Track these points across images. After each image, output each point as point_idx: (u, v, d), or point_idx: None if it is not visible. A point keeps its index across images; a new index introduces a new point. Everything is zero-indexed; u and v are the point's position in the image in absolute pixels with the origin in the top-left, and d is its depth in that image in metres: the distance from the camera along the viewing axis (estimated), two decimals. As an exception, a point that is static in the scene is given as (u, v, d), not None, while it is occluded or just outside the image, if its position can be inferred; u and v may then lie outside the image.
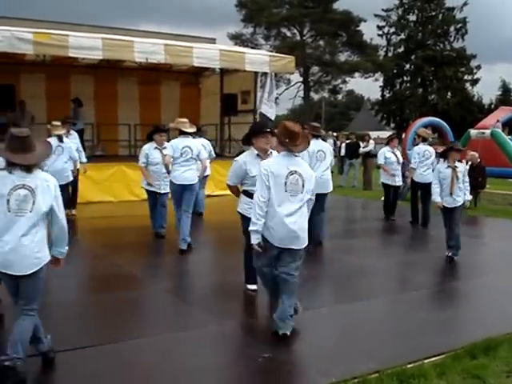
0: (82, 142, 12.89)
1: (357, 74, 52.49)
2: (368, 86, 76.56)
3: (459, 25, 49.57)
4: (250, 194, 5.70)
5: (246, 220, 5.55)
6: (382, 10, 50.87)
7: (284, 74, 38.64)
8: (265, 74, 15.62)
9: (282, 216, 4.94)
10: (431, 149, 11.44)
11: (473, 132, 24.46)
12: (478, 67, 50.40)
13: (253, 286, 6.37)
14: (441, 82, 49.12)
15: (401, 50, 51.39)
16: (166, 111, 17.82)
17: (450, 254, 8.38)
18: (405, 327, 5.57)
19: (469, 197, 8.62)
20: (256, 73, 15.77)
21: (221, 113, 17.57)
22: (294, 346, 5.02)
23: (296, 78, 51.87)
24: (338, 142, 25.48)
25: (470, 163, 14.12)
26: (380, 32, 51.33)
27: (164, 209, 9.43)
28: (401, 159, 12.18)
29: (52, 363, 4.41)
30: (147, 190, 9.53)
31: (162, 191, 9.28)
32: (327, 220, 9.62)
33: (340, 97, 67.90)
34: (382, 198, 12.88)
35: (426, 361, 4.63)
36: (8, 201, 3.99)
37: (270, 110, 15.47)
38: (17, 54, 13.01)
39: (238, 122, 17.35)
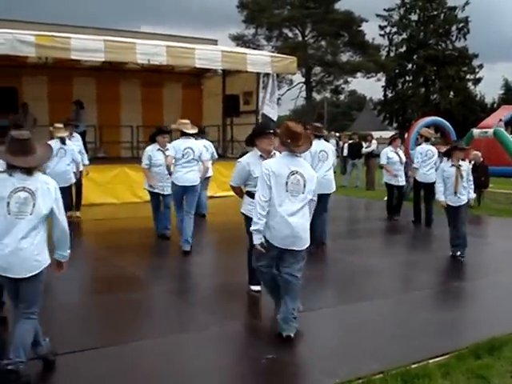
0: (84, 144, 12.91)
1: (359, 74, 52.63)
2: (370, 86, 76.82)
3: (461, 24, 49.53)
4: (253, 195, 5.68)
5: (249, 221, 5.53)
6: (384, 9, 50.93)
7: (286, 74, 38.70)
8: (267, 74, 15.61)
9: (283, 216, 4.92)
10: (434, 148, 11.43)
11: (475, 131, 24.42)
12: (481, 66, 50.40)
13: (256, 287, 6.35)
14: (443, 82, 49.08)
15: (403, 49, 51.36)
16: (168, 113, 17.82)
17: (457, 254, 8.41)
18: (409, 327, 5.56)
19: (473, 195, 8.64)
20: (258, 74, 15.77)
21: (223, 114, 17.57)
22: (297, 346, 5.01)
23: (298, 78, 52.03)
24: (341, 143, 25.44)
25: (472, 162, 14.10)
26: (382, 32, 51.39)
27: (168, 210, 9.45)
28: (404, 159, 12.16)
29: (53, 366, 4.40)
30: (150, 192, 9.54)
31: (166, 192, 9.27)
32: (330, 220, 9.60)
33: (342, 97, 68.03)
34: (385, 198, 12.87)
35: (430, 361, 4.61)
36: (8, 203, 3.98)
37: (271, 111, 15.45)
38: (19, 57, 13.01)
39: (240, 123, 17.36)
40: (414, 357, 4.67)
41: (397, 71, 51.26)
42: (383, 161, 12.15)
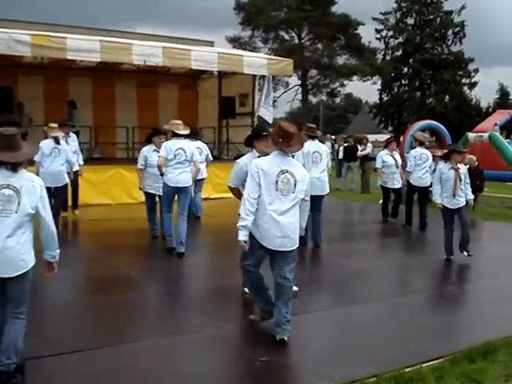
0: (78, 144, 12.90)
1: (355, 78, 52.67)
2: (366, 90, 76.88)
3: (457, 28, 49.63)
4: None
5: None
6: (380, 13, 50.94)
7: (282, 76, 38.69)
8: (263, 77, 15.61)
9: (272, 215, 4.90)
10: (428, 152, 11.46)
11: (471, 135, 24.52)
12: (476, 71, 50.48)
13: (250, 290, 6.34)
14: (439, 86, 49.16)
15: (399, 53, 51.41)
16: (163, 114, 17.79)
17: (464, 253, 8.55)
18: (403, 331, 5.56)
19: (472, 196, 8.72)
20: (254, 76, 15.78)
21: (219, 115, 17.57)
22: (291, 349, 5.00)
23: (294, 81, 52.01)
24: (336, 145, 25.49)
25: (467, 166, 14.11)
26: (378, 35, 51.38)
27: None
28: (399, 162, 12.18)
29: (22, 371, 4.15)
30: (146, 192, 9.52)
31: (162, 193, 9.25)
32: (325, 223, 9.59)
33: (338, 100, 68.03)
34: (381, 201, 12.88)
35: (424, 365, 4.61)
36: None
37: (267, 113, 15.46)
38: (15, 57, 13.01)
39: (235, 124, 17.37)
40: (408, 360, 4.67)
41: (393, 75, 51.33)
42: (378, 164, 12.18)
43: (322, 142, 11.51)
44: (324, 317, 5.97)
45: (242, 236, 4.91)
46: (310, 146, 8.90)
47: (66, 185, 10.43)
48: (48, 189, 10.03)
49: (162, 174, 8.66)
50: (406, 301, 6.65)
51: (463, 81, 50.67)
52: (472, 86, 50.77)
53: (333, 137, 32.20)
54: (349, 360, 4.76)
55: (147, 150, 9.38)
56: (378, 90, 52.86)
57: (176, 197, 8.66)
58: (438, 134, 20.65)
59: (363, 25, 51.29)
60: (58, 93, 16.40)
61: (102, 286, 7.01)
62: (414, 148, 11.72)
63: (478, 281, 7.85)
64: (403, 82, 52.20)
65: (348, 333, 5.49)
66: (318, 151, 9.03)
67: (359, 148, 20.29)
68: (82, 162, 11.89)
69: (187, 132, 8.93)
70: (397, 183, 12.02)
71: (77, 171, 11.57)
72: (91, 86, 17.68)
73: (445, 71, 48.15)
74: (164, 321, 5.79)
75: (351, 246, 10.03)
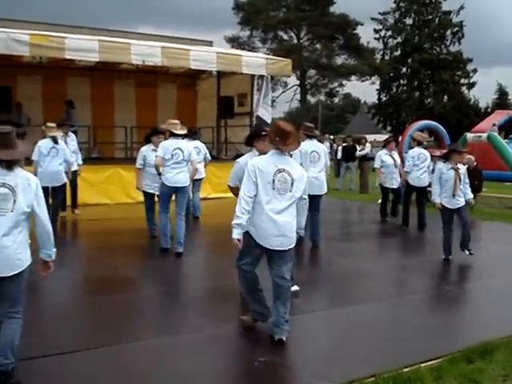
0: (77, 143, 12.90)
1: (353, 78, 52.81)
2: (365, 90, 76.73)
3: (456, 28, 49.67)
4: None
5: None
6: (379, 13, 50.97)
7: (281, 76, 38.73)
8: (261, 76, 15.61)
9: (269, 214, 4.89)
10: (426, 152, 11.45)
11: (469, 135, 24.51)
12: (475, 71, 50.53)
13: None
14: (437, 86, 49.20)
15: (397, 53, 51.46)
16: (162, 114, 17.76)
17: (465, 252, 8.58)
18: (401, 331, 5.56)
19: (471, 195, 8.74)
20: (253, 75, 15.77)
21: (217, 115, 17.57)
22: (290, 349, 5.00)
23: (293, 81, 52.11)
24: (335, 145, 25.47)
25: (466, 166, 14.11)
26: (377, 35, 51.44)
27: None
28: (398, 161, 12.17)
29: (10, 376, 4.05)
30: (145, 192, 9.53)
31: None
32: (323, 223, 9.58)
33: (337, 100, 68.19)
34: (379, 201, 12.88)
35: (422, 365, 4.61)
36: None
37: (265, 113, 15.47)
38: (13, 56, 12.99)
39: (234, 124, 17.36)
40: (407, 360, 4.67)
41: (391, 75, 51.38)
42: (377, 164, 12.19)
43: (321, 141, 11.50)
44: (322, 317, 5.96)
45: (236, 234, 4.90)
46: (308, 145, 8.90)
47: (65, 184, 10.44)
48: (46, 188, 10.09)
49: (159, 174, 8.66)
50: (404, 301, 6.65)
51: (462, 81, 50.73)
52: (470, 86, 50.83)
53: (331, 137, 32.21)
54: (347, 360, 4.76)
55: (146, 150, 9.39)
56: (377, 90, 52.96)
57: (173, 197, 8.66)
58: (436, 134, 20.66)
59: (362, 25, 51.45)
60: (57, 92, 16.37)
61: (101, 285, 7.00)
62: (413, 148, 11.71)
63: (476, 281, 7.85)
64: (402, 82, 52.25)
65: (346, 333, 5.48)
66: (316, 151, 9.01)
67: (358, 148, 20.30)
68: (80, 162, 11.93)
69: (184, 132, 8.93)
70: (395, 183, 12.02)
71: (76, 171, 11.59)
72: (90, 85, 17.66)
73: (443, 71, 48.19)
74: (162, 321, 5.78)
75: (350, 246, 10.03)
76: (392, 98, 51.92)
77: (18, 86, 16.20)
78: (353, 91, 74.10)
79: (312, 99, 57.35)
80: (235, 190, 6.17)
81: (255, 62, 15.17)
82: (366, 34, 72.20)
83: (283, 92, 53.98)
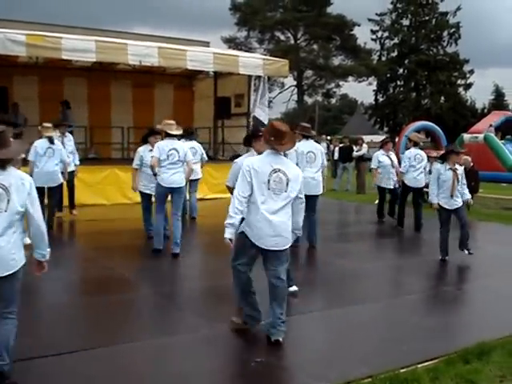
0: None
1: (350, 78, 52.72)
2: (361, 90, 76.99)
3: (452, 29, 49.70)
4: None
5: None
6: (376, 14, 50.95)
7: (278, 77, 38.64)
8: (258, 77, 15.62)
9: (264, 214, 4.89)
10: (422, 153, 11.46)
11: (466, 136, 24.57)
12: (471, 72, 50.54)
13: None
14: (434, 87, 49.24)
15: (394, 54, 51.46)
16: (159, 114, 17.74)
17: (465, 251, 8.61)
18: (398, 331, 5.56)
19: (469, 195, 8.77)
20: (250, 76, 15.78)
21: (214, 116, 17.55)
22: (286, 350, 4.99)
23: (290, 81, 52.01)
24: (332, 146, 25.49)
25: (462, 167, 14.13)
26: (373, 36, 51.42)
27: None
28: (396, 162, 12.18)
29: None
30: (142, 192, 9.50)
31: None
32: (320, 223, 9.58)
33: (334, 101, 68.04)
34: (376, 202, 12.89)
35: (419, 365, 4.61)
36: None
37: (262, 114, 15.49)
38: (10, 56, 12.96)
39: (231, 125, 17.37)
40: (403, 361, 4.67)
41: (388, 76, 51.37)
42: (373, 164, 12.19)
43: (318, 142, 11.51)
44: (319, 317, 5.96)
45: (229, 234, 4.91)
46: (304, 145, 8.90)
47: (61, 185, 10.42)
48: (42, 189, 10.08)
49: (154, 174, 8.65)
50: (401, 301, 6.66)
51: (458, 82, 50.74)
52: (467, 87, 50.86)
53: (328, 137, 32.24)
54: (344, 361, 4.75)
55: (143, 150, 9.37)
56: (374, 90, 52.95)
57: (169, 197, 8.65)
58: (433, 134, 20.72)
59: (359, 26, 51.42)
60: (53, 93, 16.36)
61: (97, 286, 6.99)
62: (409, 149, 11.72)
63: (473, 281, 7.86)
64: (399, 82, 52.25)
65: (343, 333, 5.48)
66: (313, 151, 9.00)
67: (354, 149, 20.31)
68: (78, 162, 11.90)
69: (180, 132, 8.91)
70: (393, 183, 12.03)
71: (73, 171, 11.57)
72: (86, 86, 17.64)
73: (440, 72, 48.23)
74: (159, 321, 5.77)
75: (347, 247, 10.03)
76: (389, 98, 51.94)
77: (15, 86, 16.18)
78: (350, 92, 74.29)
79: (309, 100, 57.41)
80: (233, 190, 6.17)
81: (252, 62, 15.17)
82: (363, 35, 72.08)
83: (280, 93, 53.98)
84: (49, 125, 10.42)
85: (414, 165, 11.19)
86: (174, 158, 8.47)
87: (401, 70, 51.71)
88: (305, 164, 8.76)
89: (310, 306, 6.27)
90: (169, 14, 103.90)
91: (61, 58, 12.57)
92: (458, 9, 48.92)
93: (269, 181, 4.91)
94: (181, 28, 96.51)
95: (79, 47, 12.44)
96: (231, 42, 52.30)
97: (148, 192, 9.38)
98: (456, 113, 47.46)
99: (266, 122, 15.32)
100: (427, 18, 50.48)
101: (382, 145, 12.53)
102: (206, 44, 20.77)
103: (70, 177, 11.45)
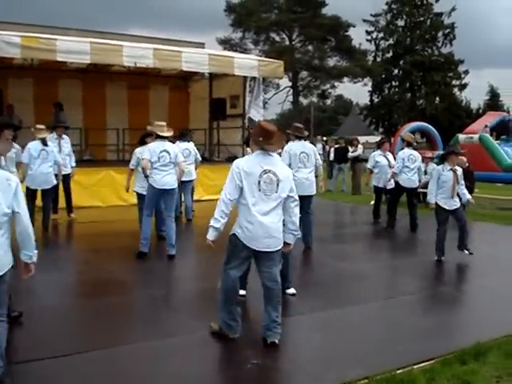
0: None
1: (345, 79, 52.80)
2: (357, 91, 77.03)
3: (447, 30, 49.79)
4: None
5: None
6: (371, 15, 51.02)
7: (273, 78, 38.60)
8: (254, 78, 15.62)
9: (256, 216, 4.87)
10: (416, 153, 11.42)
11: (461, 137, 24.61)
12: (466, 72, 50.64)
13: (241, 292, 6.31)
14: (429, 87, 49.32)
15: (389, 55, 51.51)
16: (154, 116, 17.66)
17: (465, 251, 8.67)
18: (395, 332, 5.56)
19: (469, 195, 8.83)
20: (245, 77, 15.79)
21: (210, 117, 17.56)
22: (284, 351, 4.98)
23: (285, 82, 52.09)
24: (327, 147, 25.47)
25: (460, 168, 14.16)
26: (368, 37, 51.47)
27: (161, 213, 9.37)
28: (393, 162, 12.16)
29: None
30: (139, 194, 9.47)
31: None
32: (315, 224, 9.56)
33: (329, 101, 68.14)
34: (372, 202, 12.88)
35: (415, 366, 4.61)
36: None
37: (257, 115, 15.49)
38: (4, 58, 12.95)
39: (226, 126, 17.38)
40: (400, 362, 4.67)
41: (383, 76, 51.42)
42: (370, 164, 12.19)
43: (313, 142, 11.50)
44: (316, 319, 5.94)
45: (212, 236, 4.96)
46: (297, 146, 8.86)
47: (55, 186, 10.39)
48: (36, 191, 10.05)
49: (146, 177, 8.63)
50: (397, 302, 6.65)
51: (453, 82, 50.82)
52: (462, 87, 50.95)
53: (324, 138, 32.22)
54: (340, 362, 4.75)
55: (140, 151, 9.35)
56: (369, 91, 53.01)
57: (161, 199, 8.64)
58: (428, 135, 20.75)
59: (354, 27, 51.52)
60: (48, 95, 16.34)
61: (93, 288, 6.97)
62: (403, 149, 11.70)
63: (469, 282, 7.87)
64: (394, 83, 52.30)
65: (340, 334, 5.47)
66: (306, 151, 8.96)
67: (350, 149, 20.30)
68: (74, 164, 11.86)
69: (171, 134, 8.87)
70: (390, 184, 12.00)
71: (69, 174, 11.53)
72: (81, 87, 17.63)
73: (435, 73, 48.31)
74: (155, 323, 5.75)
75: (343, 248, 10.03)
76: (384, 99, 51.99)
77: (9, 88, 16.17)
78: (345, 93, 74.01)
79: (304, 101, 57.43)
80: None
81: (247, 63, 15.18)
82: (358, 36, 72.24)
83: (275, 94, 54.07)
84: (42, 126, 10.40)
85: (408, 165, 11.16)
86: (166, 159, 8.44)
87: (396, 71, 51.79)
88: (298, 165, 8.74)
89: (307, 307, 6.25)
90: (164, 16, 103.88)
91: (55, 59, 12.56)
92: (453, 9, 49.09)
93: (259, 182, 4.89)
94: (176, 29, 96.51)
95: (74, 49, 12.43)
96: (226, 43, 52.33)
97: (145, 193, 9.35)
98: (451, 113, 47.53)
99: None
100: (422, 18, 50.57)
101: (380, 145, 12.53)
102: (201, 45, 20.76)
103: (67, 179, 11.43)
